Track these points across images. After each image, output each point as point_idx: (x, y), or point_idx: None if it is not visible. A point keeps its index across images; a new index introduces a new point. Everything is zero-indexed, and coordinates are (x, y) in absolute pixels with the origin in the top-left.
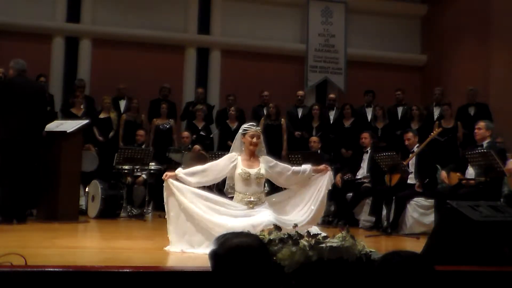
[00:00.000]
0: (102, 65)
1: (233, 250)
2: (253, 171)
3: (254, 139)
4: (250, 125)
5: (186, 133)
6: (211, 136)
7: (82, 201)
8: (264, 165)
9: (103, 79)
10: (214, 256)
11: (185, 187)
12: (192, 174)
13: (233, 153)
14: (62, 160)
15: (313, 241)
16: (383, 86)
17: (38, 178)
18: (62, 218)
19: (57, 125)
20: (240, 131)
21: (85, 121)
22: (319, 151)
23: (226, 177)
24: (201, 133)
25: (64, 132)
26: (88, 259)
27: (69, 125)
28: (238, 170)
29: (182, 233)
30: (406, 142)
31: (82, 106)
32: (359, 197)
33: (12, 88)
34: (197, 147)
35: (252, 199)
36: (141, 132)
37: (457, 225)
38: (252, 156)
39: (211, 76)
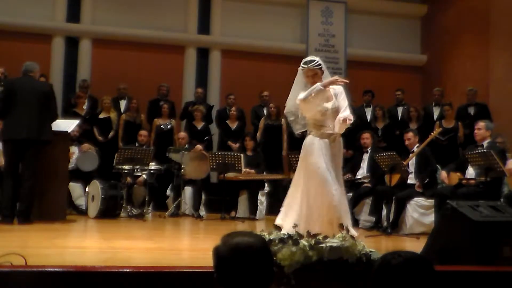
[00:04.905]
0: (102, 65)
1: (235, 248)
2: None
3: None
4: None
5: (182, 134)
6: (206, 138)
7: (82, 201)
8: None
9: (103, 79)
10: (217, 253)
11: None
12: None
13: None
14: (52, 159)
15: (313, 241)
16: (383, 86)
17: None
18: (51, 217)
19: None
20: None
21: (77, 121)
22: None
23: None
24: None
25: (64, 132)
26: (88, 259)
27: (64, 125)
28: None
29: None
30: (406, 142)
31: (84, 106)
32: (359, 197)
33: (13, 89)
34: (198, 147)
35: None
36: (143, 132)
37: (457, 225)
38: None
39: (211, 76)
